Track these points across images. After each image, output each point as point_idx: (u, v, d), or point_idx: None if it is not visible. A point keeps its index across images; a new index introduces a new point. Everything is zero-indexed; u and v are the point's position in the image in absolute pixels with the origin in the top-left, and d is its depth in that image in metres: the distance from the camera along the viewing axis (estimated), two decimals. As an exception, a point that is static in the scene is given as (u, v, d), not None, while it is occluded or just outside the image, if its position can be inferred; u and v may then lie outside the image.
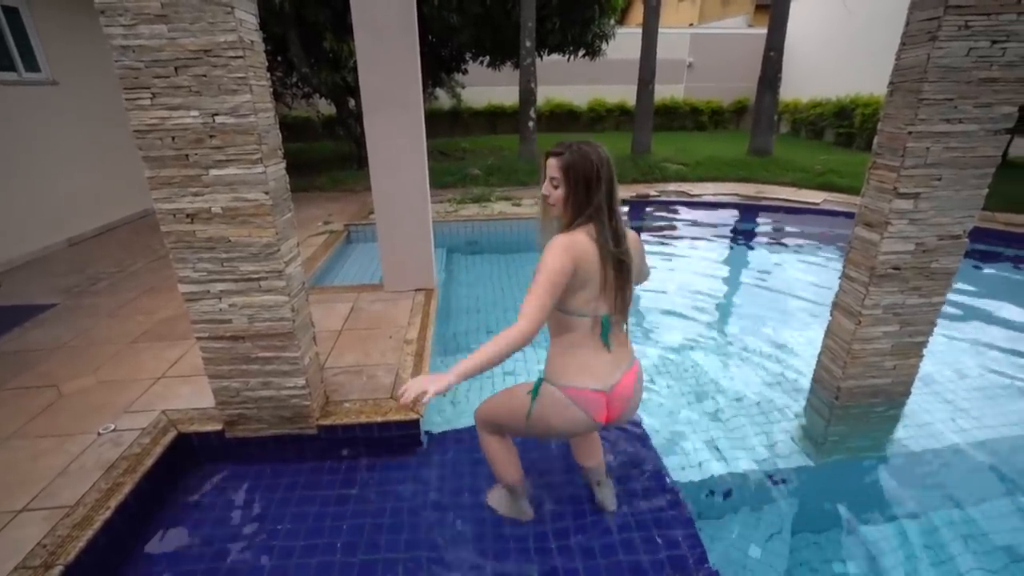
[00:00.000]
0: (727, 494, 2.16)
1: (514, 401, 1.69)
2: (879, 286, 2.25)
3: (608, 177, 1.46)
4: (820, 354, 2.64)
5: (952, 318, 3.62)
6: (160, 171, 1.79)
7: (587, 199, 1.45)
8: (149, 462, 2.05)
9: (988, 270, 4.85)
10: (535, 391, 1.62)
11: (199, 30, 1.65)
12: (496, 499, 2.01)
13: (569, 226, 1.50)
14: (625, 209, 7.04)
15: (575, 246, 1.43)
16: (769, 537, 1.94)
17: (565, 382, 1.56)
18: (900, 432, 2.49)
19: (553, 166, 1.48)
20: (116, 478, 1.96)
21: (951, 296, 2.28)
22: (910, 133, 1.99)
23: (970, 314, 3.78)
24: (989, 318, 3.73)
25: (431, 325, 3.20)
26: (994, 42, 1.86)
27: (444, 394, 1.44)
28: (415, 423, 2.29)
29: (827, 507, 2.10)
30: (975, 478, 2.23)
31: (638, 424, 2.51)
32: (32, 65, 5.16)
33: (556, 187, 1.48)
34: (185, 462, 2.24)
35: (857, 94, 11.90)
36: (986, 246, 5.23)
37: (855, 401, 2.53)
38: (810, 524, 2.02)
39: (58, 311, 3.61)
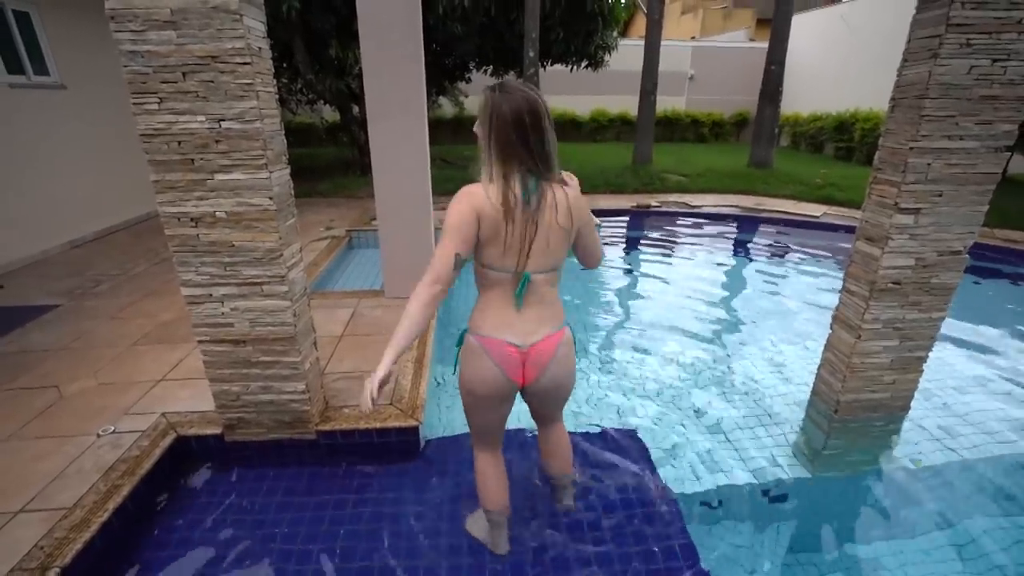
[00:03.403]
0: (723, 505, 2.15)
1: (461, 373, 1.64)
2: (879, 300, 2.26)
3: (527, 124, 1.32)
4: (819, 367, 2.64)
5: (952, 333, 3.62)
6: (166, 175, 1.80)
7: (502, 144, 1.34)
8: (148, 465, 2.05)
9: (987, 286, 4.86)
10: (459, 341, 1.60)
11: (207, 36, 1.67)
12: (475, 526, 1.92)
13: (485, 171, 1.42)
14: (624, 218, 7.11)
15: (475, 196, 1.37)
16: (764, 549, 1.93)
17: (482, 332, 1.51)
18: (899, 447, 2.48)
19: (478, 103, 1.41)
20: (115, 480, 1.96)
21: (951, 311, 2.28)
22: (911, 149, 2.00)
23: (970, 330, 3.78)
24: (989, 334, 3.73)
25: (431, 332, 3.20)
26: (995, 60, 1.88)
27: (388, 380, 1.48)
28: (414, 430, 2.29)
29: (823, 521, 2.10)
30: (975, 495, 2.22)
31: (635, 434, 2.51)
32: (41, 69, 5.21)
33: (479, 126, 1.40)
34: (184, 465, 2.24)
35: (857, 109, 11.99)
36: (985, 262, 5.24)
37: (854, 415, 2.52)
38: (806, 537, 2.01)
39: (59, 313, 3.61)
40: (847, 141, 12.18)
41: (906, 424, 2.57)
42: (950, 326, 3.57)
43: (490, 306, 1.51)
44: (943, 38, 1.84)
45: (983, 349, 3.48)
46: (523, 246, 1.41)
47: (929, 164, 2.02)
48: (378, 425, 2.27)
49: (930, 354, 2.39)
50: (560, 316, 1.59)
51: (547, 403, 1.73)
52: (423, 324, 1.38)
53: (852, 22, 12.30)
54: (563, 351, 1.57)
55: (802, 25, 13.41)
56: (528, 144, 1.34)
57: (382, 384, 1.42)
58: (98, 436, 2.23)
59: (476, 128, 1.42)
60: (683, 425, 2.65)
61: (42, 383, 2.67)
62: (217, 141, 1.77)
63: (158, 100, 1.72)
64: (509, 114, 1.32)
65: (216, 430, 2.25)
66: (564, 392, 1.69)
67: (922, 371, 2.48)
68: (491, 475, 1.76)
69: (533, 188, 1.38)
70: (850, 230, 5.82)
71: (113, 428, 2.28)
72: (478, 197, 1.37)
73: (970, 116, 1.95)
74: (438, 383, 2.98)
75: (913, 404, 2.55)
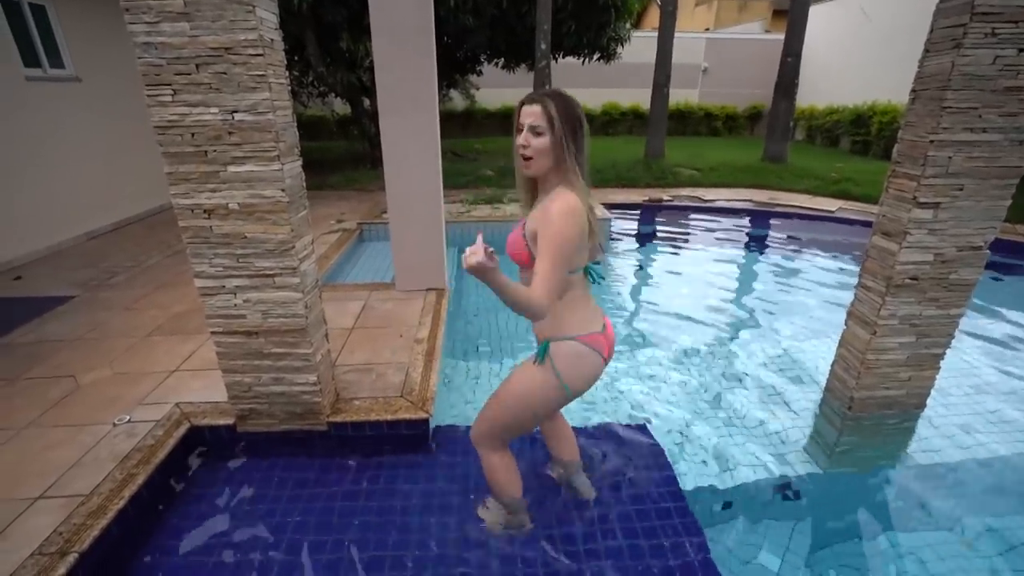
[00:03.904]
0: (735, 501, 2.14)
1: (524, 384, 1.59)
2: (896, 296, 2.22)
3: (584, 133, 1.40)
4: (833, 363, 2.61)
5: (970, 330, 3.56)
6: (179, 167, 1.81)
7: (576, 145, 1.37)
8: (162, 454, 2.08)
9: (1009, 283, 4.77)
10: (541, 356, 1.54)
11: (220, 28, 1.67)
12: (491, 514, 1.92)
13: (547, 179, 1.43)
14: (636, 213, 7.05)
15: (581, 214, 1.36)
16: (775, 545, 1.92)
17: (576, 332, 1.53)
18: (913, 445, 2.45)
19: (535, 113, 1.36)
20: (130, 469, 1.99)
21: (970, 307, 2.24)
22: (932, 142, 1.96)
23: (989, 326, 3.71)
24: (1008, 331, 3.66)
25: (442, 325, 3.21)
26: (1021, 50, 1.83)
27: (485, 273, 1.21)
28: (424, 422, 2.30)
29: (835, 518, 2.08)
30: (990, 494, 2.19)
31: (647, 429, 2.50)
32: (57, 62, 5.26)
33: (540, 134, 1.36)
34: (197, 455, 2.27)
35: (875, 101, 11.76)
36: (1007, 257, 5.13)
37: (868, 412, 2.49)
38: (817, 534, 1.99)
39: (75, 304, 3.67)
40: (864, 135, 11.96)
41: (921, 421, 2.53)
42: (968, 323, 3.51)
43: (573, 307, 1.54)
44: (967, 27, 1.80)
45: (1003, 347, 3.41)
46: (600, 237, 1.51)
47: (950, 157, 1.98)
48: (388, 417, 2.29)
49: (948, 351, 2.35)
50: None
51: None
52: (509, 306, 1.27)
53: (871, 12, 12.04)
54: None
55: (819, 16, 13.16)
56: (585, 147, 1.42)
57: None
58: (114, 425, 2.26)
59: (528, 139, 1.38)
60: (695, 420, 2.63)
61: (58, 373, 2.71)
62: (230, 133, 1.78)
63: (172, 92, 1.73)
64: (577, 115, 1.38)
65: (229, 420, 2.28)
66: None
67: (939, 368, 2.44)
68: (506, 468, 1.78)
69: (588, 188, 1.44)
70: (866, 225, 5.73)
71: (129, 417, 2.31)
72: (580, 207, 1.37)
73: (994, 108, 1.91)
74: (448, 378, 2.99)
75: (928, 402, 2.52)
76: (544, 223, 1.34)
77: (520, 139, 1.39)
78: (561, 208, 1.33)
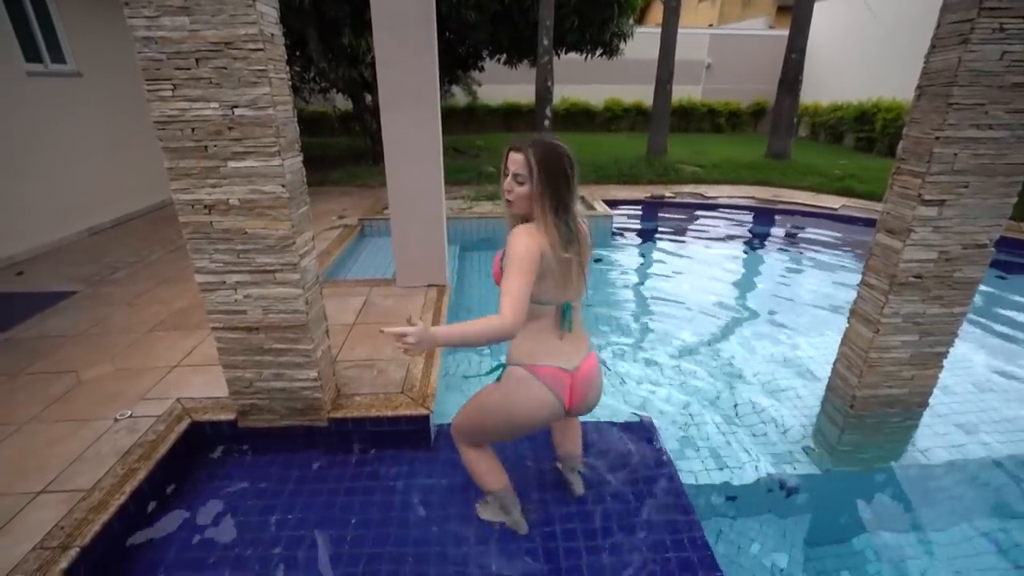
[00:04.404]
0: (736, 499, 2.13)
1: (485, 397, 1.69)
2: (899, 294, 2.21)
3: (573, 172, 1.47)
4: (835, 361, 2.60)
5: (974, 329, 3.54)
6: (179, 162, 1.81)
7: (554, 195, 1.44)
8: (163, 449, 2.08)
9: (1013, 281, 4.74)
10: (497, 377, 1.63)
11: (220, 22, 1.66)
12: (489, 512, 1.94)
13: (530, 217, 1.50)
14: (638, 209, 7.03)
15: (536, 236, 1.44)
16: (776, 543, 1.92)
17: (531, 361, 1.58)
18: (916, 444, 2.44)
19: (518, 161, 1.46)
20: (131, 464, 1.99)
21: (974, 306, 2.22)
22: (937, 138, 1.94)
23: (993, 325, 3.69)
24: (1012, 330, 3.64)
25: (443, 321, 3.20)
26: (1028, 46, 1.80)
27: (427, 342, 1.37)
28: (425, 418, 2.30)
29: (836, 517, 2.07)
30: (993, 494, 2.18)
31: (649, 426, 2.49)
32: (58, 57, 5.25)
33: (521, 183, 1.47)
34: (198, 450, 2.27)
35: (879, 98, 11.70)
36: (1012, 256, 5.11)
37: (870, 410, 2.48)
38: (818, 533, 1.99)
39: (77, 299, 3.67)
40: (868, 132, 11.91)
41: (924, 420, 2.52)
42: (972, 321, 3.49)
43: (534, 336, 1.58)
44: (975, 22, 1.78)
45: (1007, 344, 3.39)
46: (571, 279, 1.53)
47: (955, 154, 1.96)
48: (389, 413, 2.29)
49: (951, 350, 2.34)
50: (588, 339, 1.71)
51: (578, 415, 1.84)
52: (474, 347, 1.42)
53: (876, 7, 11.95)
54: (598, 373, 1.70)
55: (824, 12, 13.08)
56: (571, 189, 1.48)
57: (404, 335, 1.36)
58: (115, 420, 2.27)
59: (512, 186, 1.49)
60: (697, 417, 2.63)
61: (60, 368, 2.72)
62: (230, 128, 1.77)
63: (172, 87, 1.72)
64: (557, 166, 1.44)
65: (230, 416, 2.28)
66: (593, 406, 1.77)
67: (942, 367, 2.42)
68: (484, 460, 1.83)
69: (572, 227, 1.50)
70: (870, 223, 5.71)
71: (130, 413, 2.31)
72: (539, 236, 1.45)
73: (1001, 104, 1.88)
74: (448, 373, 2.98)
75: (931, 400, 2.51)
76: (507, 248, 1.46)
77: (505, 184, 1.51)
78: (517, 232, 1.45)
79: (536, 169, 1.43)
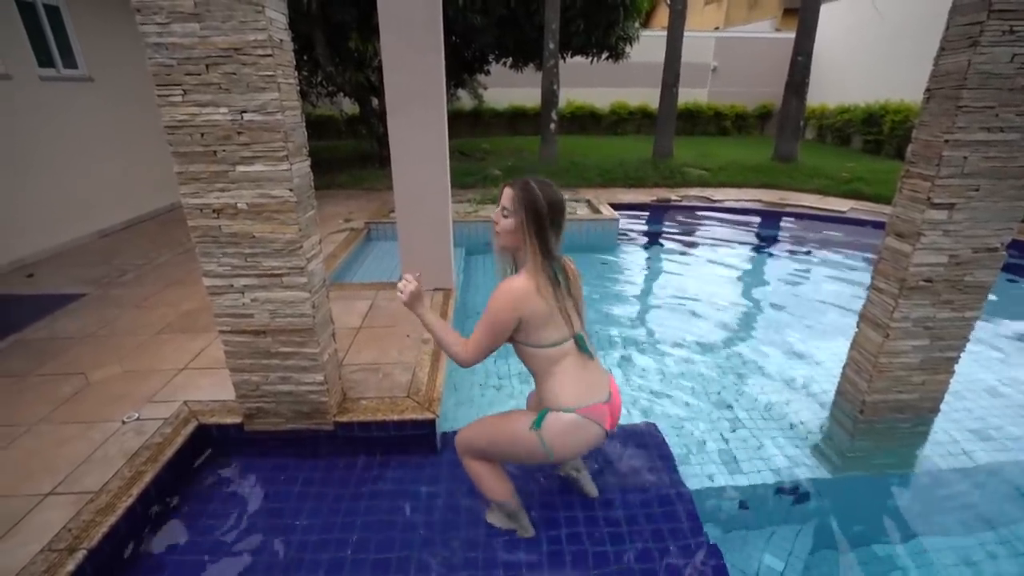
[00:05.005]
0: (744, 504, 2.11)
1: (517, 436, 1.66)
2: (909, 298, 2.19)
3: (554, 218, 1.52)
4: (845, 366, 2.58)
5: (986, 333, 3.50)
6: (189, 166, 1.82)
7: (535, 233, 1.51)
8: (170, 452, 2.09)
9: None
10: (538, 424, 1.61)
11: (230, 28, 1.68)
12: (496, 518, 1.95)
13: (515, 258, 1.61)
14: (644, 213, 7.02)
15: (518, 294, 1.50)
16: (784, 548, 1.90)
17: (574, 404, 1.61)
18: (927, 450, 2.41)
19: (508, 196, 1.54)
20: (139, 466, 2.00)
21: (986, 311, 2.20)
22: (947, 141, 1.92)
23: (1005, 330, 3.65)
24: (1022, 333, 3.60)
25: (448, 323, 3.19)
26: (1039, 48, 1.79)
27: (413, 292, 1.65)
28: (431, 423, 2.29)
29: (846, 523, 2.05)
30: (1006, 502, 2.15)
31: (655, 431, 2.48)
32: (70, 62, 5.32)
33: (506, 216, 1.55)
34: (205, 453, 2.28)
35: (887, 100, 11.62)
36: (1022, 260, 5.05)
37: (880, 416, 2.46)
38: (827, 539, 1.97)
39: (86, 301, 3.70)
40: (876, 134, 11.82)
41: (935, 425, 2.50)
42: (983, 326, 3.45)
43: (566, 377, 1.62)
44: (984, 25, 1.77)
45: (1019, 349, 3.35)
46: (572, 313, 1.60)
47: (965, 157, 1.95)
48: (395, 417, 2.29)
49: (962, 355, 2.31)
50: (599, 359, 1.76)
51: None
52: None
53: (883, 9, 11.88)
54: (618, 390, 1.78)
55: (831, 14, 13.03)
56: (559, 231, 1.56)
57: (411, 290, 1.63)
58: (123, 423, 2.28)
59: (499, 217, 1.57)
60: (704, 421, 2.61)
61: (69, 370, 2.74)
62: (239, 133, 1.79)
63: (182, 92, 1.73)
64: (546, 208, 1.51)
65: (236, 419, 2.29)
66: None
67: (953, 372, 2.40)
68: (491, 472, 1.82)
69: (559, 267, 1.59)
70: (878, 226, 5.66)
71: (138, 415, 2.33)
72: (521, 293, 1.51)
73: (1011, 107, 1.87)
74: (453, 378, 2.98)
75: (942, 406, 2.48)
76: (491, 297, 1.55)
77: (494, 215, 1.60)
78: (502, 288, 1.54)
79: (522, 205, 1.51)
